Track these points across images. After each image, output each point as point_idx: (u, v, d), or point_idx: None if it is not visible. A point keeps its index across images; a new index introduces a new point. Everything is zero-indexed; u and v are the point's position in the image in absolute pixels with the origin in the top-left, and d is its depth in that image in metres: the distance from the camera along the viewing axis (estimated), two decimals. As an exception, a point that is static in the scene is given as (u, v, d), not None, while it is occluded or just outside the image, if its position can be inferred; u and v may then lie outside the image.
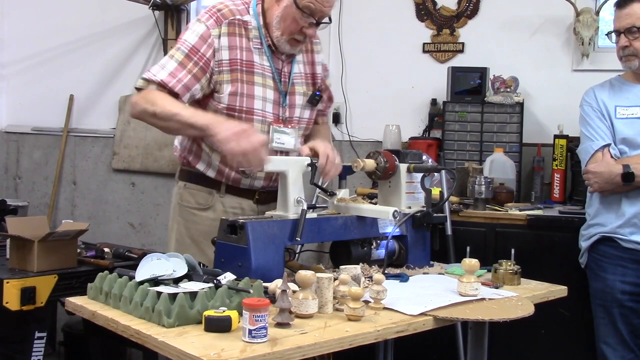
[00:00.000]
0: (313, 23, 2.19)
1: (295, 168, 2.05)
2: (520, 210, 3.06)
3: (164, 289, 1.62)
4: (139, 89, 2.18)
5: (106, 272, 1.79)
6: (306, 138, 2.40)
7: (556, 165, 3.30)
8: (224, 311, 1.52)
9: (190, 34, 2.20)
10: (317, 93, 2.36)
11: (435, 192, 2.44)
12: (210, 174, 2.30)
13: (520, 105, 3.38)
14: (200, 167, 2.31)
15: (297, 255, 2.25)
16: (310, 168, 2.07)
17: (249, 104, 2.22)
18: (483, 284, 1.96)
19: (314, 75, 2.41)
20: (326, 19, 2.22)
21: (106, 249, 2.73)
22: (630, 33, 2.55)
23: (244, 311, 1.44)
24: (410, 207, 2.21)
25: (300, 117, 2.35)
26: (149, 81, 2.16)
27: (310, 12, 2.16)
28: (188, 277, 1.76)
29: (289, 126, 2.29)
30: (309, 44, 2.40)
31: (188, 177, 2.36)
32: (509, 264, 2.09)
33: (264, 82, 2.25)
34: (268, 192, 2.32)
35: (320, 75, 2.44)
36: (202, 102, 2.26)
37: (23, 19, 4.70)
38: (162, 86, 2.14)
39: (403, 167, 2.21)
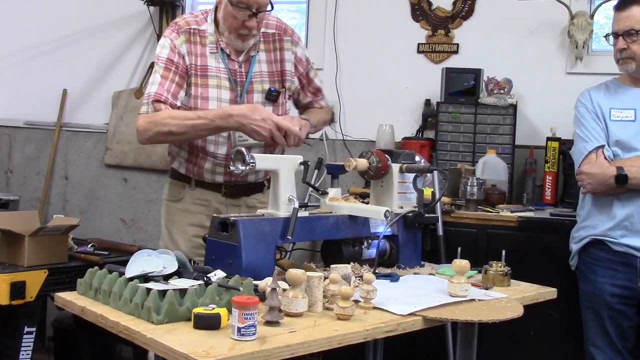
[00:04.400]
0: (251, 14, 2.28)
1: (287, 166, 2.05)
2: (512, 211, 3.07)
3: (153, 286, 1.62)
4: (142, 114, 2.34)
5: (96, 267, 1.79)
6: None
7: (548, 168, 3.31)
8: (213, 309, 1.52)
9: (161, 49, 2.38)
10: (272, 89, 2.44)
11: (427, 192, 2.45)
12: (182, 170, 2.51)
13: (514, 107, 3.38)
14: (175, 165, 2.54)
15: (288, 253, 2.25)
16: (302, 166, 2.08)
17: (204, 105, 2.37)
18: (473, 285, 1.96)
19: (283, 73, 2.48)
20: (268, 7, 2.33)
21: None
22: (629, 36, 2.55)
23: (233, 309, 1.44)
24: (402, 207, 2.21)
25: None
26: (147, 102, 2.32)
27: (246, 5, 2.28)
28: (178, 274, 1.76)
29: None
30: (277, 42, 2.47)
31: (170, 173, 2.60)
32: (499, 265, 2.09)
33: (218, 83, 2.39)
34: (236, 186, 2.47)
35: (290, 72, 2.49)
36: None
37: (16, 12, 4.67)
38: (158, 100, 2.31)
39: (395, 167, 2.21)
